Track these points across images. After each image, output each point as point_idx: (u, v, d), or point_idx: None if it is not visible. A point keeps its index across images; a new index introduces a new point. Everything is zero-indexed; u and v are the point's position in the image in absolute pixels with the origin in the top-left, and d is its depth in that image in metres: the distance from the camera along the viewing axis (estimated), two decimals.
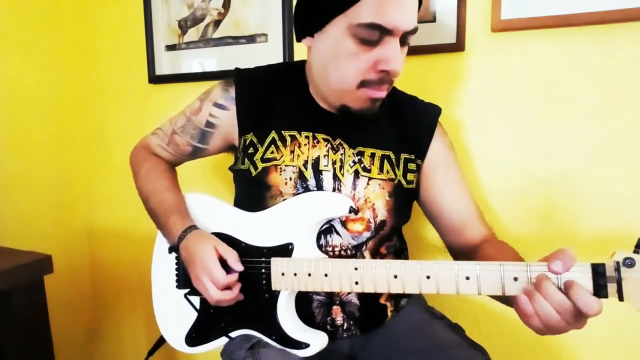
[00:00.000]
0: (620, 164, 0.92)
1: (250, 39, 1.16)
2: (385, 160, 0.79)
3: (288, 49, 1.13)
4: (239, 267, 0.72)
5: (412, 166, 0.80)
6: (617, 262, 0.54)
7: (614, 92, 0.91)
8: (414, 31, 0.68)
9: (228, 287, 0.71)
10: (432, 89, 1.01)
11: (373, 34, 0.65)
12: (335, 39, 0.68)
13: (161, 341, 0.86)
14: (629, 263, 0.53)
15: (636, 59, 0.89)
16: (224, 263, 0.71)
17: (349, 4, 0.65)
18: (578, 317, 0.54)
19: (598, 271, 0.55)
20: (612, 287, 0.54)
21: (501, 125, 0.99)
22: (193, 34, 1.21)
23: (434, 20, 0.99)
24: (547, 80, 0.95)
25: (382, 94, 0.72)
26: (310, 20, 0.72)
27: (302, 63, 0.83)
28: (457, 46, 0.98)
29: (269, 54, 1.15)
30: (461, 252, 0.81)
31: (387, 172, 0.78)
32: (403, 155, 0.80)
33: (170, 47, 1.24)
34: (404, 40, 0.68)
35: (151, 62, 1.25)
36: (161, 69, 1.26)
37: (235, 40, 1.18)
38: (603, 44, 0.90)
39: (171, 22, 1.23)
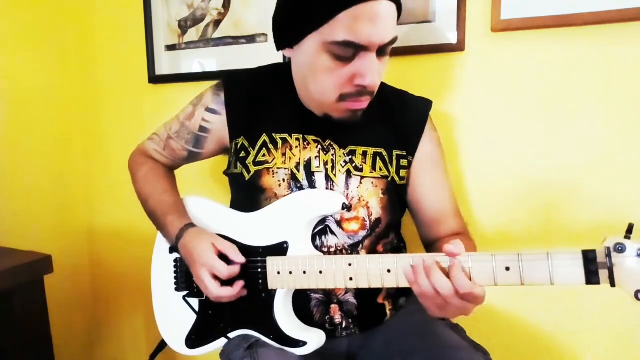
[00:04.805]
0: (619, 163, 0.92)
1: (250, 39, 1.16)
2: (378, 158, 0.79)
3: None
4: (241, 259, 0.72)
5: (404, 162, 0.80)
6: (608, 248, 0.53)
7: (613, 92, 0.91)
8: (391, 42, 0.67)
9: (229, 284, 0.71)
10: (432, 89, 1.00)
11: (347, 51, 0.65)
12: (311, 54, 0.68)
13: (162, 345, 0.86)
14: (620, 248, 0.53)
15: (636, 59, 0.89)
16: (224, 258, 0.72)
17: (320, 22, 0.65)
18: (450, 300, 0.57)
19: (589, 257, 0.54)
20: (603, 274, 0.54)
21: (501, 125, 0.99)
22: (193, 34, 1.21)
23: (434, 20, 0.99)
24: (546, 80, 0.95)
25: (362, 105, 0.71)
26: (286, 35, 0.72)
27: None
28: (457, 46, 0.98)
29: (269, 54, 1.14)
30: (430, 245, 0.83)
31: (380, 169, 0.78)
32: (395, 152, 0.80)
33: (170, 47, 1.24)
34: (383, 51, 0.68)
35: (151, 62, 1.25)
36: (161, 69, 1.26)
37: (235, 40, 1.18)
38: (603, 44, 0.90)
39: (171, 22, 1.23)
